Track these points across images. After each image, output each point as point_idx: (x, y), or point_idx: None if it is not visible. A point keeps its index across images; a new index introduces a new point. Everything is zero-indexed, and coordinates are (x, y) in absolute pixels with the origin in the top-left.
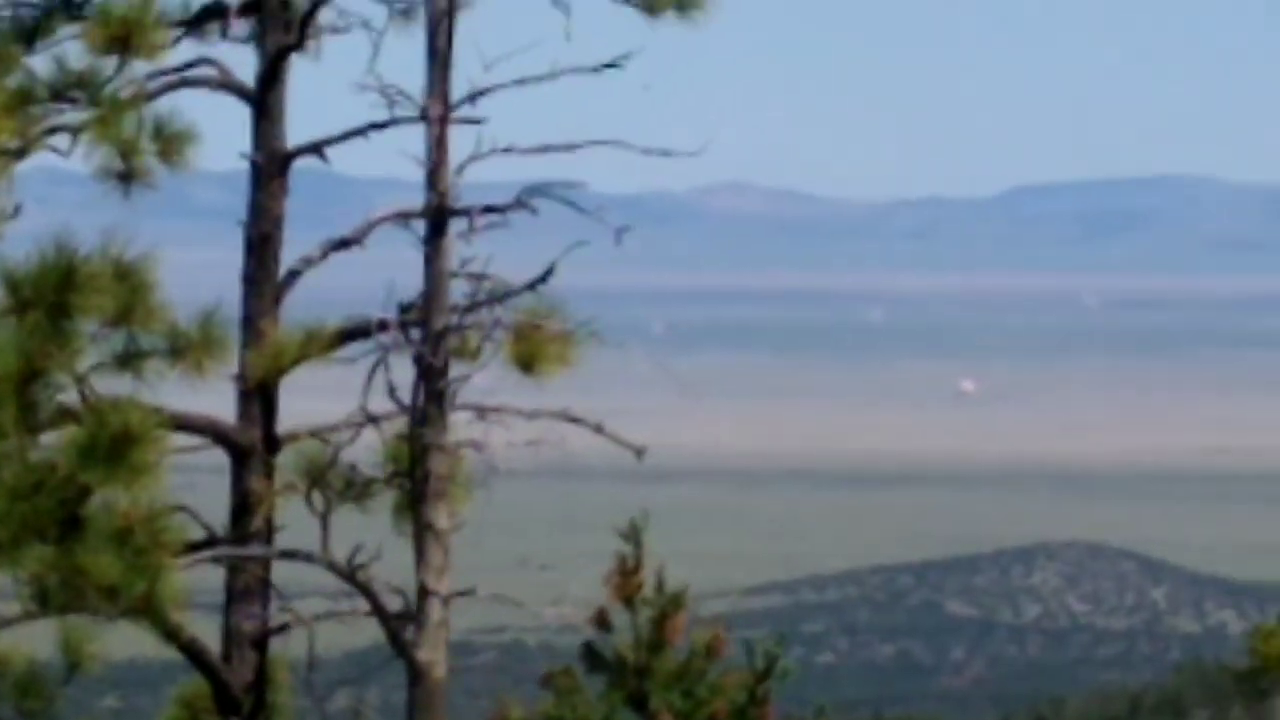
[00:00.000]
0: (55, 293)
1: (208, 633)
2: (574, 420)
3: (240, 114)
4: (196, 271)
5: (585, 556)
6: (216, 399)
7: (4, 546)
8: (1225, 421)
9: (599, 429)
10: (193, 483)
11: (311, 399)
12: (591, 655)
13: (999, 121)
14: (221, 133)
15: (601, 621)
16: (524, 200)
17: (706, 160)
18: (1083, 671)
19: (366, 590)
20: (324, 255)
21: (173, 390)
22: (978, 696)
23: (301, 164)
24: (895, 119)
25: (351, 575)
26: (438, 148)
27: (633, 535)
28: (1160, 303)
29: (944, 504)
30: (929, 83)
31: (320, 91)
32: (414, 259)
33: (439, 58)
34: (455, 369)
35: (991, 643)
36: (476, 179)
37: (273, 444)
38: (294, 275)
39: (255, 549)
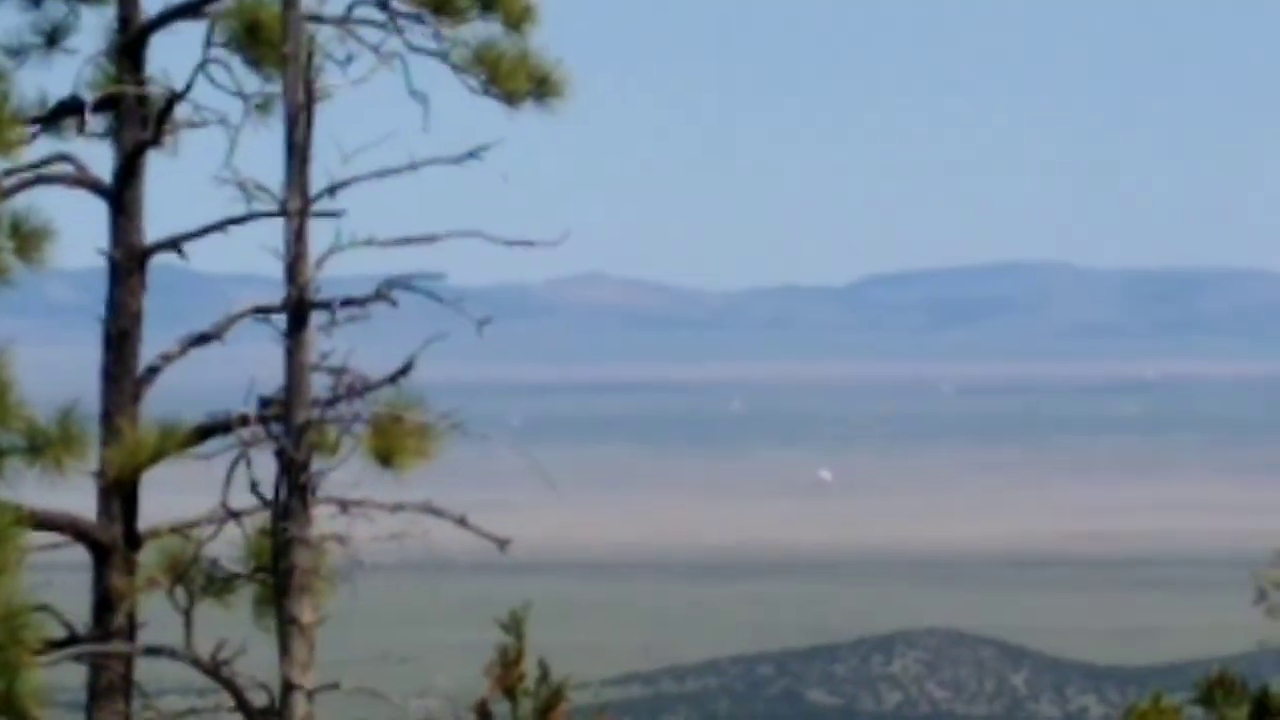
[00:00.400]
0: None
1: None
2: (437, 513)
3: (97, 210)
4: (52, 369)
5: (450, 649)
6: (77, 496)
7: None
8: (1081, 506)
9: (462, 521)
10: (51, 581)
11: (172, 495)
12: None
13: (851, 209)
14: (77, 229)
15: (482, 713)
16: (383, 292)
17: (561, 252)
18: None
19: (231, 686)
20: (183, 351)
21: (31, 488)
22: None
23: (159, 259)
24: (748, 207)
25: (215, 670)
26: (297, 241)
27: (514, 626)
28: (1014, 389)
29: (803, 594)
30: (782, 171)
31: (178, 187)
32: (274, 354)
33: (297, 151)
34: (317, 463)
35: None
36: (338, 273)
37: (134, 540)
38: (153, 371)
39: (118, 645)
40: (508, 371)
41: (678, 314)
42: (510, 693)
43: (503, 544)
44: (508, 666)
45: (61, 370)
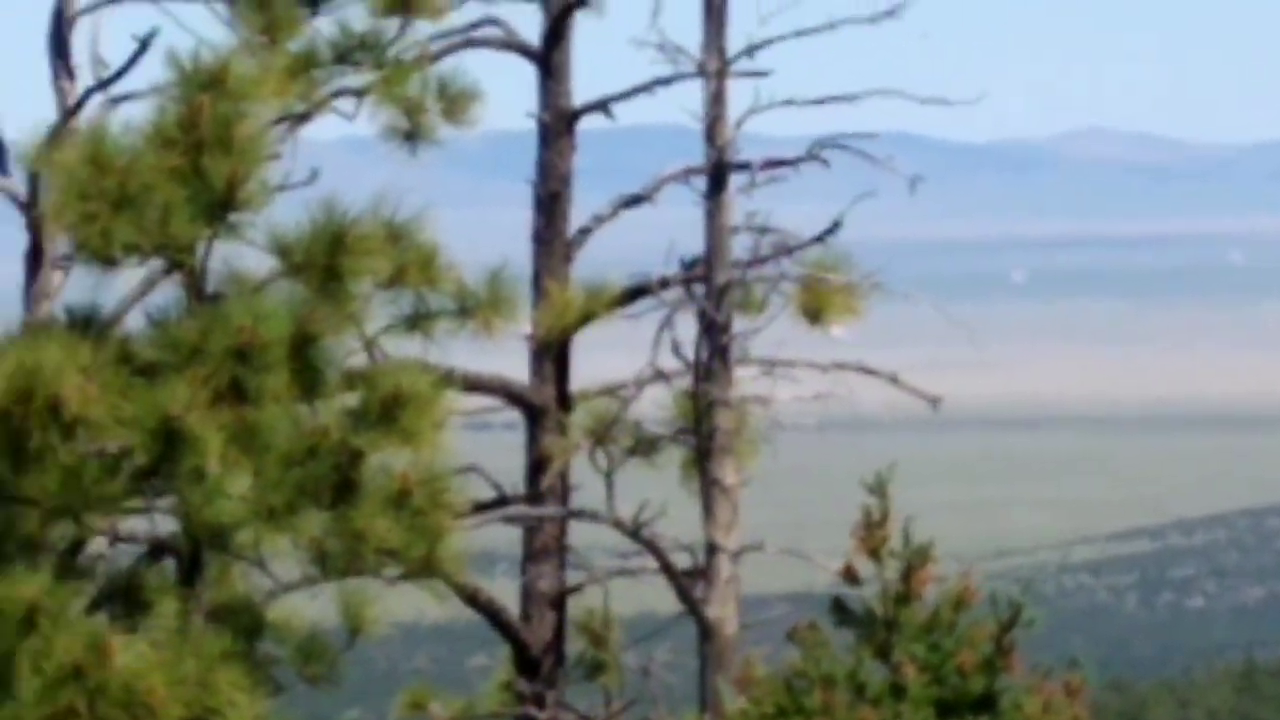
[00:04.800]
0: (326, 256)
1: (507, 593)
2: (869, 371)
3: (518, 71)
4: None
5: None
6: (508, 358)
7: (280, 512)
8: None
9: (894, 379)
10: (489, 441)
11: (601, 354)
12: (840, 609)
13: None
14: (496, 91)
15: (850, 576)
16: (815, 152)
17: (1063, 108)
18: None
19: (654, 548)
20: (614, 213)
21: (462, 350)
22: None
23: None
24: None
25: (637, 533)
26: (715, 102)
27: (878, 488)
28: None
29: None
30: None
31: (597, 48)
32: (697, 214)
33: (714, 12)
34: (739, 324)
35: None
36: (757, 131)
37: (565, 401)
38: (584, 233)
39: (547, 509)
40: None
41: (1179, 168)
42: (875, 555)
43: (934, 401)
44: (872, 529)
45: (484, 230)
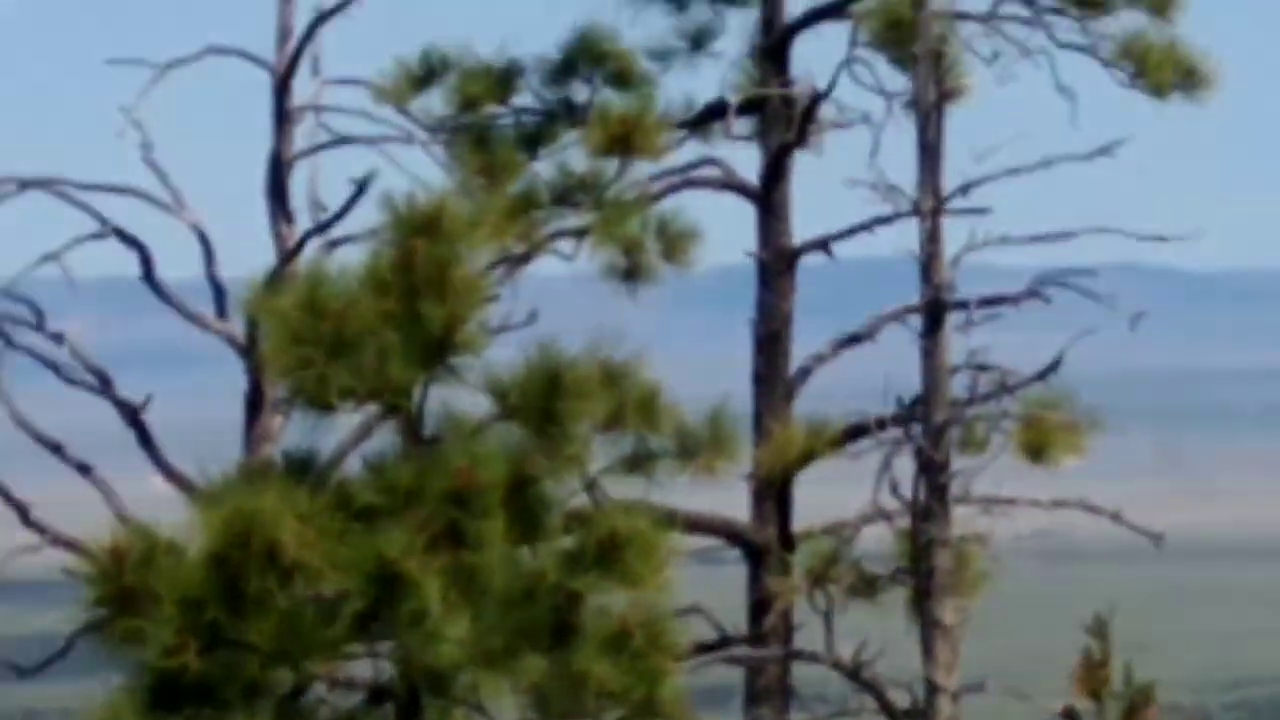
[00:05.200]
0: (543, 399)
1: None
2: (1091, 509)
3: (734, 210)
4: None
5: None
6: (728, 496)
7: (499, 656)
8: None
9: (1116, 517)
10: (713, 579)
11: (814, 492)
12: None
13: None
14: (716, 226)
15: (1070, 717)
16: (1036, 289)
17: None
18: None
19: (873, 688)
20: (834, 352)
21: (683, 490)
22: None
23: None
24: None
25: (857, 673)
26: (931, 240)
27: (1098, 629)
28: None
29: None
30: None
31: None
32: (915, 349)
33: (929, 150)
34: (957, 462)
35: None
36: (974, 266)
37: (788, 541)
38: (804, 373)
39: (768, 650)
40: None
41: None
42: (1096, 695)
43: (1157, 539)
44: (1092, 669)
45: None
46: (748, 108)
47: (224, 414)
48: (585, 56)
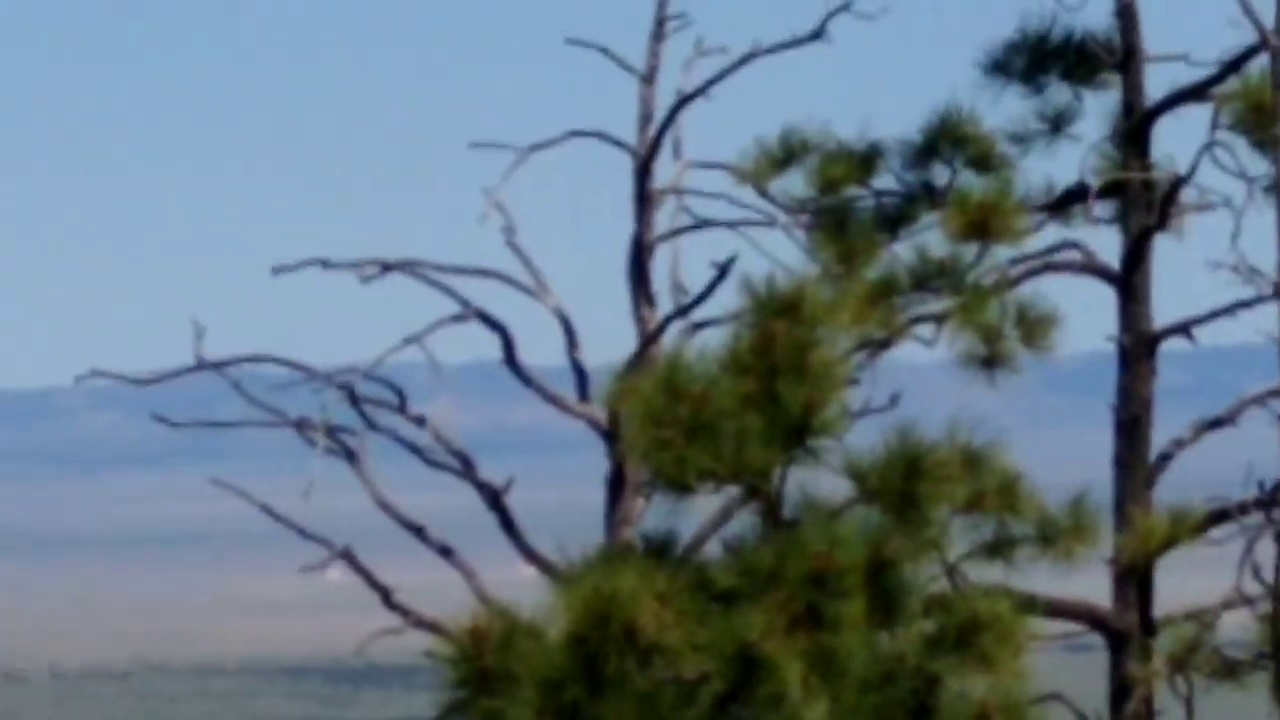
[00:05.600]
0: (902, 482)
1: None
2: None
3: (1091, 293)
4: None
5: None
6: (1089, 581)
7: None
8: None
9: None
10: (1074, 665)
11: (1175, 577)
12: None
13: None
14: (1076, 310)
15: None
16: None
17: None
18: None
19: None
20: (1196, 436)
21: (1043, 576)
22: None
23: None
24: None
25: None
26: None
27: None
28: None
29: None
30: None
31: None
32: (1274, 435)
33: None
34: None
35: None
36: None
37: (1149, 627)
38: (1165, 458)
39: None
40: None
41: None
42: None
43: None
44: None
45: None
46: (1108, 191)
47: (586, 497)
48: (946, 139)
